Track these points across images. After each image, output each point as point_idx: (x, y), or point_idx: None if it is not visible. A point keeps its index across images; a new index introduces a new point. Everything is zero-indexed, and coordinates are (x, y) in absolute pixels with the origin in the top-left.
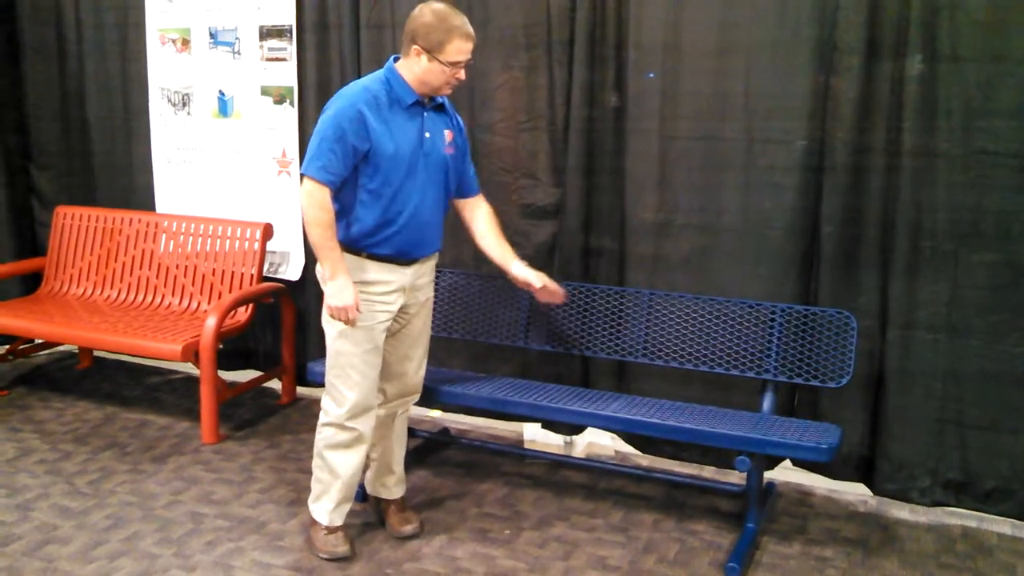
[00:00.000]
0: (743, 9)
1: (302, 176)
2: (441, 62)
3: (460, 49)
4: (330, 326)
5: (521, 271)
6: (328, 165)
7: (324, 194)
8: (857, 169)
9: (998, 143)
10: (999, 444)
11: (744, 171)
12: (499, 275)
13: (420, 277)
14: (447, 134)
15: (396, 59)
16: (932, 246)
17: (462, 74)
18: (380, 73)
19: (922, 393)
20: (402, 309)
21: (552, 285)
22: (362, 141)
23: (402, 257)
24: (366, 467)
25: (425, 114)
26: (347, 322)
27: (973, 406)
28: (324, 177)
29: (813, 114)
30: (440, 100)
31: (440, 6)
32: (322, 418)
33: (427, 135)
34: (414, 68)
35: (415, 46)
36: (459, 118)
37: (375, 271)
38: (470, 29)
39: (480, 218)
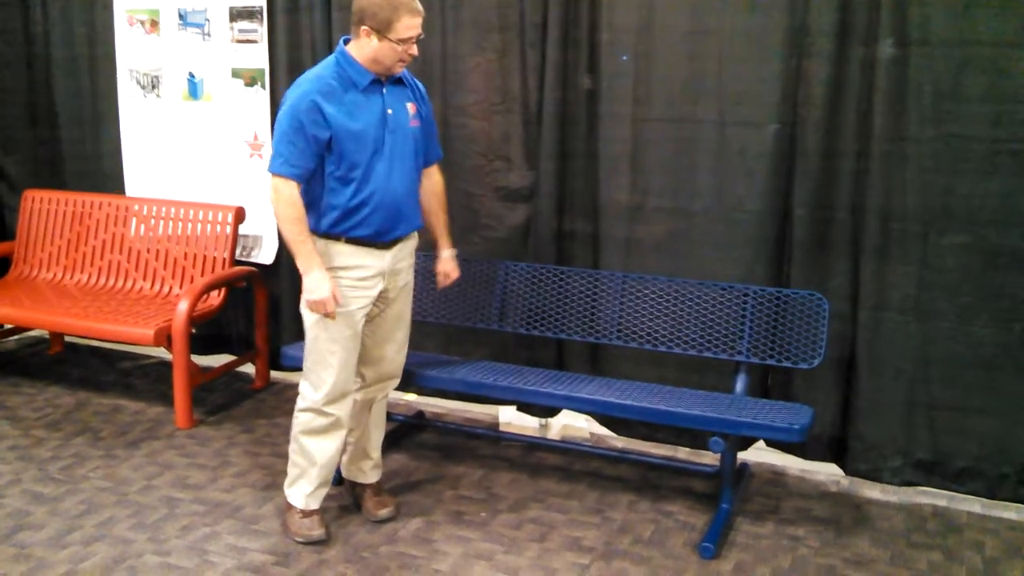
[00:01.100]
0: None
1: (270, 176)
2: (392, 40)
3: (409, 25)
4: (305, 313)
5: (444, 264)
6: (291, 159)
7: (291, 189)
8: (828, 152)
9: (968, 127)
10: (969, 424)
11: (717, 154)
12: (473, 258)
13: (399, 261)
14: (410, 107)
15: (347, 40)
16: (902, 229)
17: (414, 49)
18: (332, 58)
19: (893, 374)
20: (381, 294)
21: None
22: (321, 130)
23: (381, 237)
24: (343, 451)
25: (384, 90)
26: (326, 314)
27: (943, 387)
28: (289, 172)
29: (785, 98)
30: (398, 74)
31: None
32: (299, 403)
33: (390, 112)
34: (365, 49)
35: (364, 27)
36: (420, 85)
37: (353, 256)
38: (418, 4)
39: (427, 188)
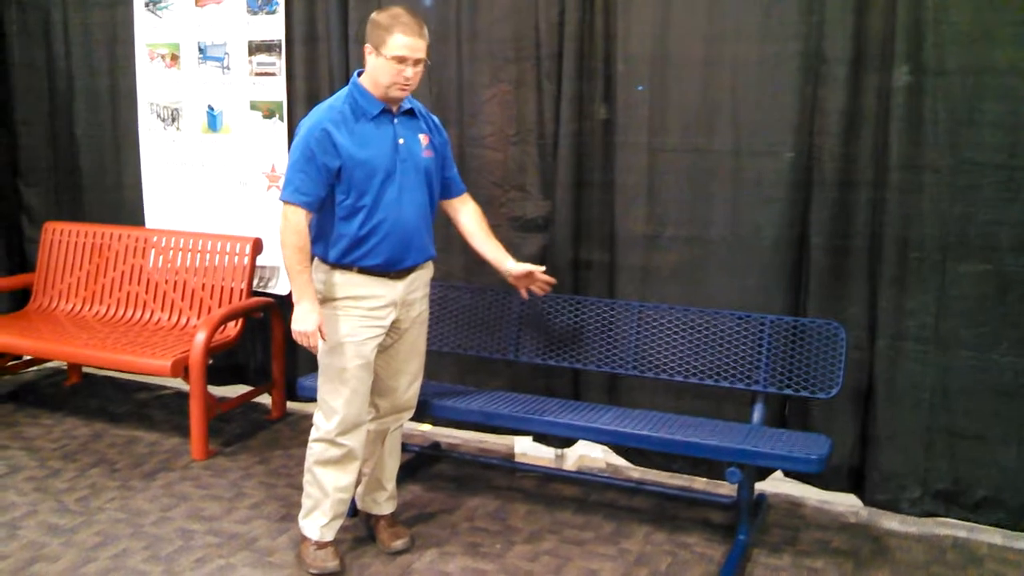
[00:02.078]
0: (730, 22)
1: (281, 203)
2: (385, 57)
3: (401, 43)
4: (321, 342)
5: (516, 266)
6: (301, 187)
7: (299, 216)
8: (845, 180)
9: (984, 154)
10: (988, 454)
11: (733, 183)
12: (488, 287)
13: (413, 292)
14: (422, 138)
15: (360, 73)
16: (920, 257)
17: (409, 72)
18: (345, 88)
19: (911, 403)
20: (394, 324)
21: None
22: (331, 159)
23: (392, 267)
24: (357, 482)
25: (395, 121)
26: (309, 347)
27: (962, 416)
28: (298, 199)
29: (801, 126)
30: (408, 105)
31: (394, 8)
32: (313, 433)
33: (401, 141)
34: (369, 71)
35: (367, 45)
36: (434, 118)
37: (365, 286)
38: (417, 27)
39: (467, 216)
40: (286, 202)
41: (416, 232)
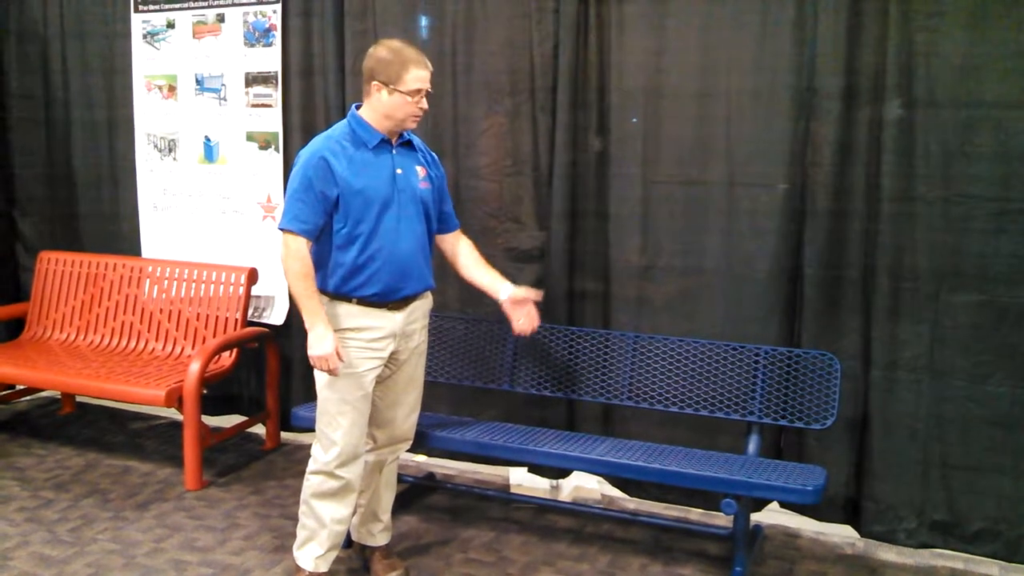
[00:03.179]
0: (723, 54)
1: (280, 232)
2: (402, 92)
3: (418, 77)
4: (318, 374)
5: (514, 290)
6: (300, 215)
7: (300, 244)
8: (838, 212)
9: (976, 186)
10: (984, 485)
11: (726, 214)
12: (483, 318)
13: (412, 323)
14: (419, 170)
15: (357, 107)
16: (913, 288)
17: (424, 103)
18: (343, 121)
19: (906, 434)
20: (392, 355)
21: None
22: (329, 187)
23: (390, 297)
24: (353, 513)
25: (393, 151)
26: (328, 371)
27: (957, 447)
28: (298, 227)
29: (794, 158)
30: (407, 137)
31: (393, 42)
32: (310, 465)
33: (399, 171)
34: (376, 106)
35: (375, 82)
36: (431, 153)
37: (363, 317)
38: (426, 59)
39: (462, 250)
40: (285, 230)
41: (414, 260)
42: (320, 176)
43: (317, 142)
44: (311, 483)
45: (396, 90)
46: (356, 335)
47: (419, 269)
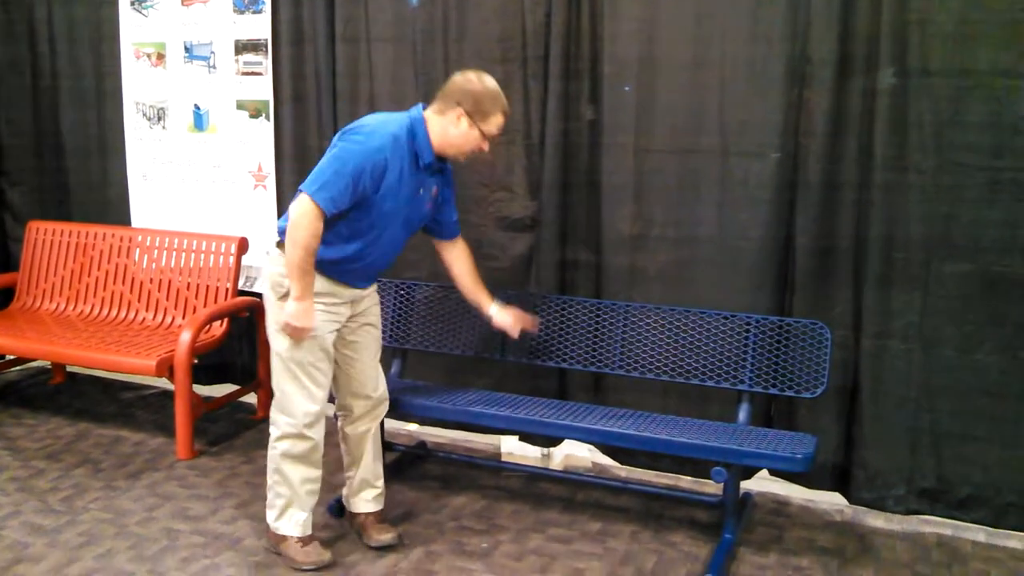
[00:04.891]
0: (716, 23)
1: (302, 193)
2: (482, 131)
3: (499, 124)
4: (279, 337)
5: (498, 315)
6: (336, 196)
7: (320, 221)
8: (830, 182)
9: (968, 155)
10: (972, 452)
11: (719, 184)
12: None
13: (365, 294)
14: (434, 189)
15: (423, 107)
16: (904, 257)
17: (487, 146)
18: (405, 119)
19: (896, 402)
20: (350, 319)
21: (526, 319)
22: (373, 187)
23: (355, 285)
24: (342, 483)
25: (427, 171)
26: (295, 338)
27: (946, 415)
28: (328, 207)
29: (787, 127)
30: (448, 162)
31: (491, 80)
32: (274, 432)
33: (420, 191)
34: (449, 128)
35: (460, 108)
36: (449, 167)
37: (328, 286)
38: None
39: (459, 261)
40: (316, 203)
41: (387, 265)
42: (372, 173)
43: (387, 136)
44: (279, 448)
45: (477, 126)
46: (319, 299)
47: (384, 268)
